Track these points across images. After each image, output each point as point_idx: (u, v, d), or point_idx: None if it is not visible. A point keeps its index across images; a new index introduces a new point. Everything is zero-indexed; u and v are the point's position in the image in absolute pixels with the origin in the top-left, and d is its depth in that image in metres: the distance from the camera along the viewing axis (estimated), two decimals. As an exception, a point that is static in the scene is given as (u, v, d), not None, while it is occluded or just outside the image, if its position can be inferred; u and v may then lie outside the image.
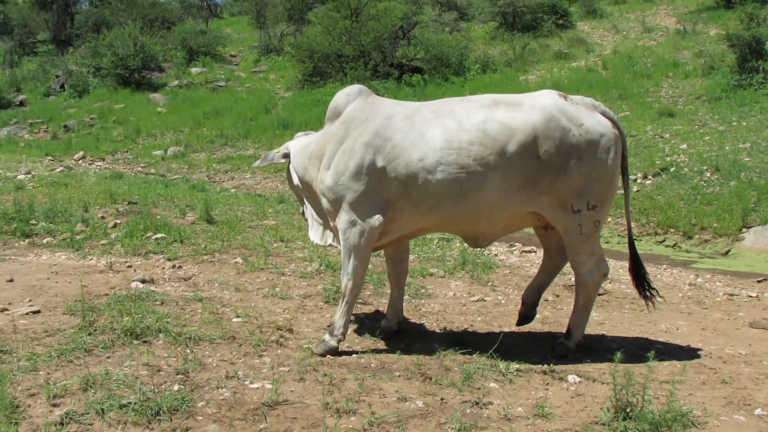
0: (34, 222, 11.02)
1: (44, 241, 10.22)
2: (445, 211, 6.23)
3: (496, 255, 11.17)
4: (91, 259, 9.38)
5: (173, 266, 9.17)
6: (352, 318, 7.30)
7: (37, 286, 7.95)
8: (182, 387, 5.18)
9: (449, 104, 6.41)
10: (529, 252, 11.63)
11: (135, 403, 4.75)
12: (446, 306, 8.22)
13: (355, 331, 7.17)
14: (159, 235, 10.63)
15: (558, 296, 8.71)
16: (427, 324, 7.54)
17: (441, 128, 6.16)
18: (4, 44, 46.92)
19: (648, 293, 6.84)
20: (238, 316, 7.15)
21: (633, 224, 14.01)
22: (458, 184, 6.06)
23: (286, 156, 7.37)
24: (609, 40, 33.48)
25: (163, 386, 5.16)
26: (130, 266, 9.08)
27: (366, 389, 5.42)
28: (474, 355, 6.29)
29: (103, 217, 11.97)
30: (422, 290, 8.72)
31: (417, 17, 36.29)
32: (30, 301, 7.33)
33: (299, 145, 7.28)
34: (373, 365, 6.10)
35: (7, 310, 6.93)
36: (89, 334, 6.18)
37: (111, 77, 35.68)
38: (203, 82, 35.76)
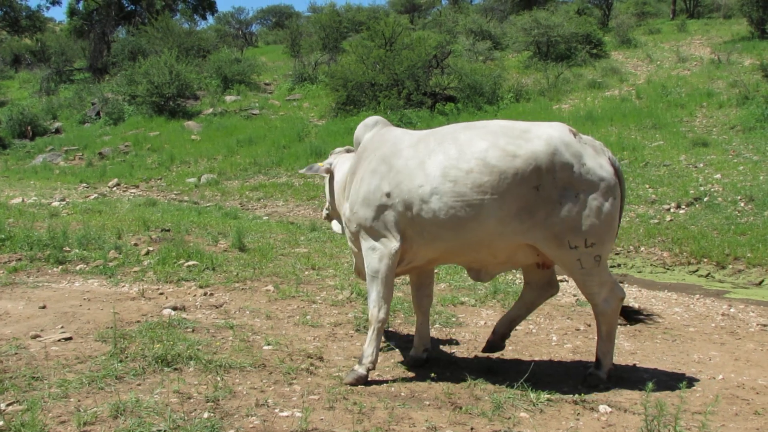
0: (67, 249, 11.11)
1: (77, 267, 10.29)
2: (446, 240, 6.22)
3: (527, 284, 11.10)
4: (123, 286, 9.44)
5: (205, 294, 9.20)
6: (383, 346, 7.32)
7: (69, 312, 8.00)
8: (212, 415, 5.18)
9: (454, 132, 6.42)
10: (561, 281, 11.55)
11: (165, 431, 4.77)
12: (477, 335, 8.19)
13: (386, 359, 7.15)
14: (191, 263, 10.68)
15: (589, 325, 8.64)
16: (458, 353, 7.52)
17: (442, 155, 6.18)
18: (41, 72, 47.67)
19: None
20: (268, 344, 7.16)
21: (666, 254, 14.02)
22: (455, 212, 6.06)
23: (329, 172, 7.48)
24: (643, 69, 33.52)
25: (193, 414, 5.17)
26: (162, 293, 9.12)
27: (396, 418, 5.40)
28: (504, 385, 6.25)
29: (136, 245, 12.05)
30: (453, 319, 8.70)
31: (451, 46, 36.61)
32: (62, 327, 7.37)
33: (341, 172, 7.33)
34: (403, 394, 6.08)
35: (39, 336, 6.98)
36: (120, 361, 6.21)
37: (146, 105, 36.11)
38: (237, 110, 36.08)
